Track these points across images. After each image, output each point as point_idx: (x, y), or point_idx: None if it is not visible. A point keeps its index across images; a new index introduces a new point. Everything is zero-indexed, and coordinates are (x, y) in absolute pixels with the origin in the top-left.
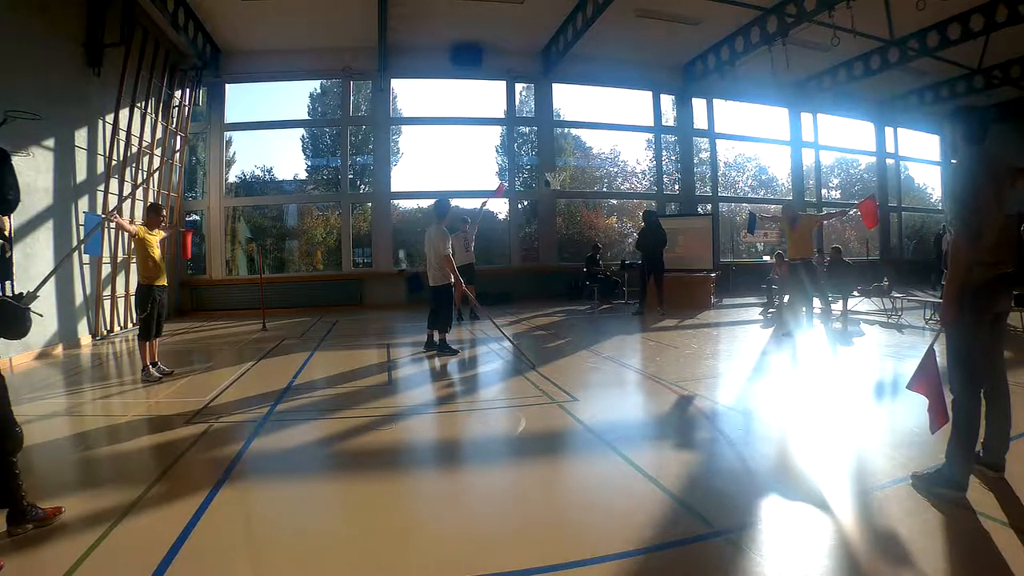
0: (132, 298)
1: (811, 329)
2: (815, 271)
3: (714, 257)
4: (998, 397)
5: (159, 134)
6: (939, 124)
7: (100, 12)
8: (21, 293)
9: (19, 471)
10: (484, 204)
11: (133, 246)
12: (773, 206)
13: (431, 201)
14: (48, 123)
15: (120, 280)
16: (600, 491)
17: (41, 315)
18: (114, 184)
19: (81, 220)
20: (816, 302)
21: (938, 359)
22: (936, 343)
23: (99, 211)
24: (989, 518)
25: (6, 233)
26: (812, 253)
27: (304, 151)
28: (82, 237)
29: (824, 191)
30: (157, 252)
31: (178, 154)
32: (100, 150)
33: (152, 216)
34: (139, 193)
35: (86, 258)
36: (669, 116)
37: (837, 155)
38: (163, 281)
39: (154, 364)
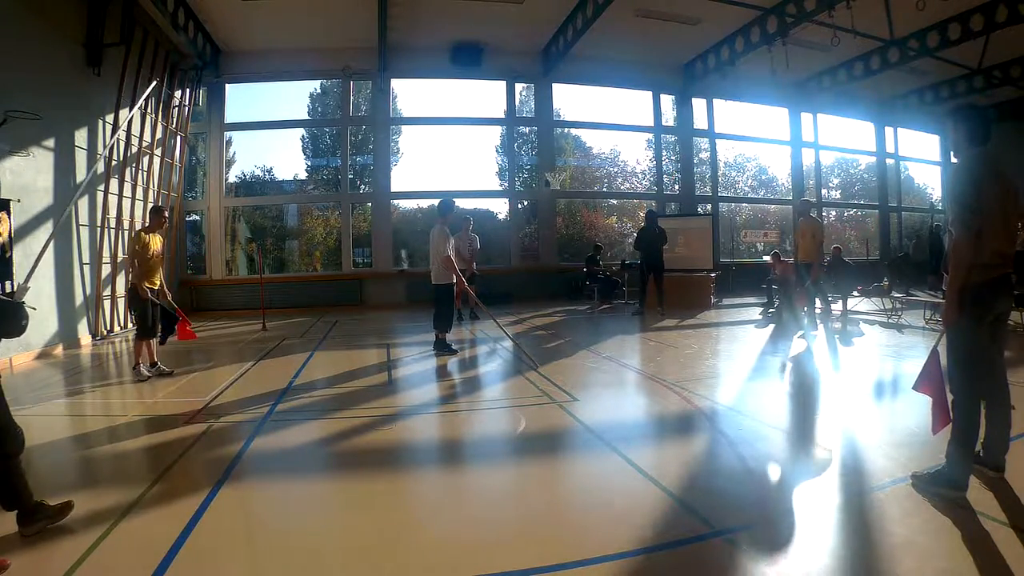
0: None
1: (811, 329)
2: (816, 271)
3: (714, 257)
4: (998, 397)
5: (159, 134)
6: (940, 123)
7: (100, 12)
8: (11, 291)
9: (23, 472)
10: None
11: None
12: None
13: (431, 201)
14: (48, 123)
15: (120, 280)
16: (600, 491)
17: (35, 308)
18: (114, 184)
19: (83, 220)
20: (817, 302)
21: (941, 360)
22: (940, 344)
23: (99, 211)
24: (989, 518)
25: (5, 233)
26: (813, 257)
27: (304, 151)
28: (82, 236)
29: (824, 191)
30: (153, 255)
31: (178, 154)
32: (100, 150)
33: (155, 219)
34: (139, 193)
35: (86, 258)
36: (669, 116)
37: (837, 155)
38: (155, 283)
39: (154, 364)
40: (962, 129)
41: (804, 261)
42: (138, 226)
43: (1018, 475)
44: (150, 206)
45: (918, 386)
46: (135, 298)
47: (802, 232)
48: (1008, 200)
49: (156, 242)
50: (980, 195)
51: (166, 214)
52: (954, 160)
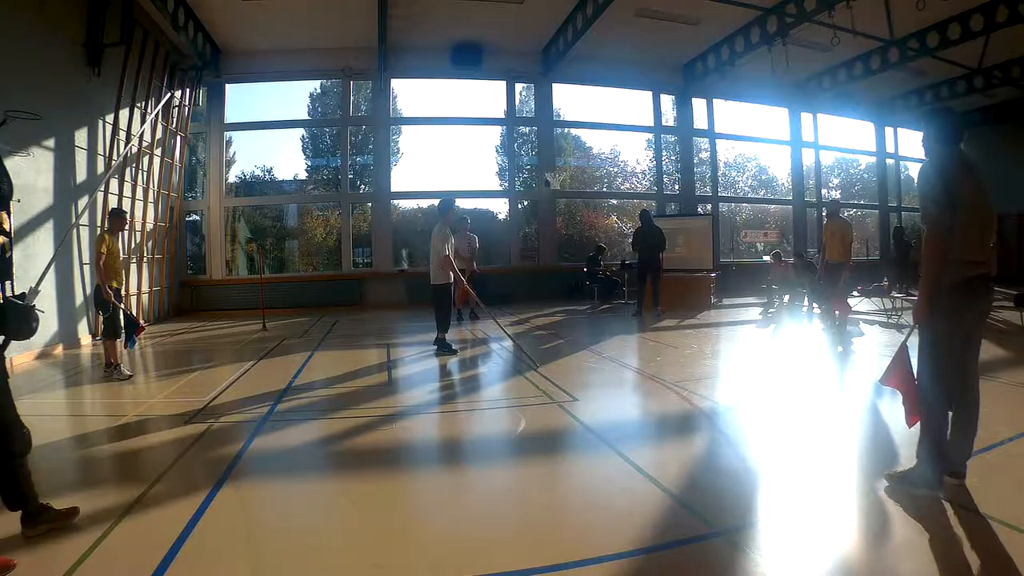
0: (131, 299)
1: (811, 328)
2: (845, 272)
3: (714, 257)
4: (968, 403)
5: (159, 134)
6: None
7: (100, 12)
8: (23, 292)
9: (29, 472)
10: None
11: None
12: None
13: (431, 201)
14: (48, 123)
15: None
16: (600, 491)
17: (43, 311)
18: (114, 184)
19: (82, 220)
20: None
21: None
22: (910, 339)
23: (99, 211)
24: (989, 517)
25: (6, 228)
26: (843, 257)
27: (304, 151)
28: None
29: (824, 191)
30: (117, 255)
31: (178, 153)
32: (100, 150)
33: (116, 221)
34: (139, 193)
35: (86, 258)
36: (669, 116)
37: (837, 155)
38: (121, 282)
39: (116, 365)
40: (932, 130)
41: (832, 261)
42: (139, 226)
43: (1020, 474)
44: (110, 209)
45: (885, 380)
46: (102, 299)
47: (831, 233)
48: (981, 198)
49: (116, 245)
50: (952, 192)
51: (126, 217)
52: (926, 159)
